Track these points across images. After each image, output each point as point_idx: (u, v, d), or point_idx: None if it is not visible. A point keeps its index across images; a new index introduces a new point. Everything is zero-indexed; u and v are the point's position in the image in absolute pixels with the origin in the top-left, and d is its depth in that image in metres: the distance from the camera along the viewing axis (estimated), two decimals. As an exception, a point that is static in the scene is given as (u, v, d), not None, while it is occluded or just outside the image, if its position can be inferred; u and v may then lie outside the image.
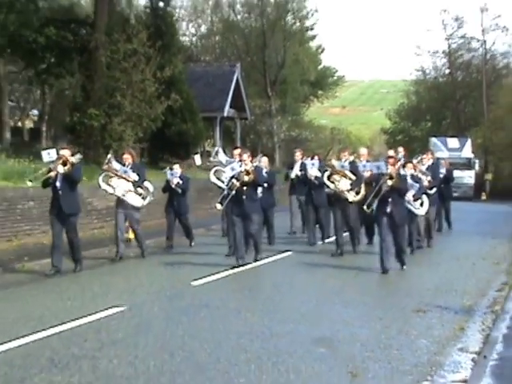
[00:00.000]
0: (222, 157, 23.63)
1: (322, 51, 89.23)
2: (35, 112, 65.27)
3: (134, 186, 22.13)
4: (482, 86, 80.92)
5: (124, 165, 22.36)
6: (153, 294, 17.35)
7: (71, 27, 45.35)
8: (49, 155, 19.56)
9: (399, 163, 22.00)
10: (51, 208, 19.48)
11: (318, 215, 26.11)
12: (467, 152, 63.34)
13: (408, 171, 22.21)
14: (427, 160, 27.24)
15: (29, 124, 64.77)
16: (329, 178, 22.55)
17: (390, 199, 19.02)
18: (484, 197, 59.85)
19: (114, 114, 39.52)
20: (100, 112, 39.48)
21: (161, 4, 49.68)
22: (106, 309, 15.19)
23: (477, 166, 63.59)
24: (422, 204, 22.97)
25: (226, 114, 55.74)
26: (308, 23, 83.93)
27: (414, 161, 25.08)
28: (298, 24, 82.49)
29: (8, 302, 16.58)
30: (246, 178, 19.82)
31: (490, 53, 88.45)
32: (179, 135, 43.29)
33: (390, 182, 18.76)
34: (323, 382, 10.53)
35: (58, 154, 19.49)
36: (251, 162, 20.88)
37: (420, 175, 23.83)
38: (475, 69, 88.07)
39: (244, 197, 20.13)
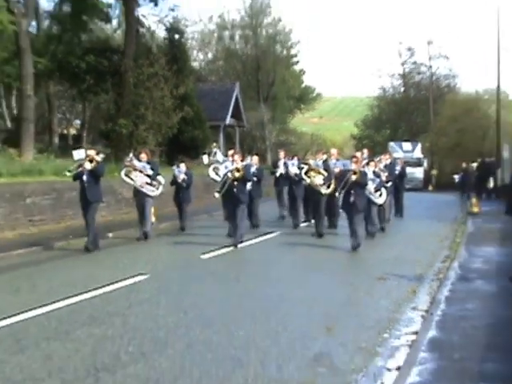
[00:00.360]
0: (220, 156, 23.80)
1: (303, 73, 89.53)
2: (77, 122, 65.10)
3: (149, 178, 22.11)
4: (429, 102, 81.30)
5: (141, 161, 22.42)
6: (170, 264, 17.43)
7: (106, 55, 45.34)
8: (78, 154, 19.83)
9: (363, 162, 22.38)
10: (80, 196, 19.53)
11: (296, 204, 25.84)
12: (418, 153, 63.67)
13: (370, 168, 22.34)
14: (385, 160, 27.51)
15: (72, 131, 64.59)
16: (306, 173, 22.41)
17: (352, 191, 19.15)
18: (431, 188, 59.89)
19: (139, 123, 39.59)
20: (128, 121, 39.55)
21: (176, 36, 49.75)
22: (134, 276, 15.26)
23: (425, 164, 63.83)
24: (380, 195, 22.73)
25: (227, 123, 55.74)
26: (293, 51, 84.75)
27: (375, 160, 24.90)
28: (284, 52, 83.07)
29: (57, 270, 16.63)
30: (237, 174, 19.78)
31: (435, 75, 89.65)
32: (191, 140, 43.30)
33: (353, 177, 18.97)
34: (305, 333, 10.60)
35: (85, 153, 19.67)
36: (242, 161, 20.88)
37: (379, 172, 23.74)
38: (424, 88, 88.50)
39: (235, 189, 19.90)
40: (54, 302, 12.57)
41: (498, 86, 50.99)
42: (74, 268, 16.94)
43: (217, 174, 22.88)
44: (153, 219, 25.90)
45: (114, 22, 57.45)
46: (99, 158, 19.55)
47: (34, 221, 23.36)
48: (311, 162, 23.14)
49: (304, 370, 8.75)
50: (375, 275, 15.78)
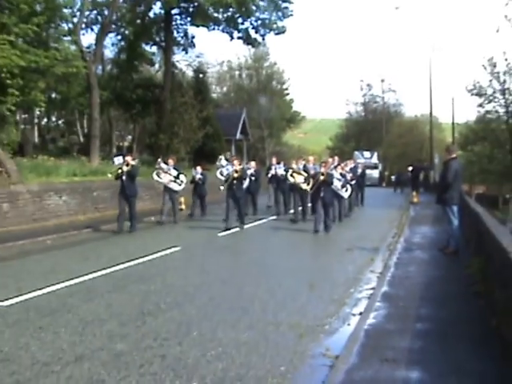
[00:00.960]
0: (224, 162, 23.59)
1: (292, 102, 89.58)
2: (129, 137, 65.18)
3: (174, 178, 22.03)
4: (382, 123, 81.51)
5: (168, 165, 22.35)
6: (196, 240, 17.41)
7: (150, 89, 45.44)
8: (118, 160, 19.80)
9: (332, 166, 22.58)
10: (119, 192, 19.09)
11: (283, 197, 25.42)
12: (375, 159, 63.75)
13: (338, 171, 22.44)
14: (350, 164, 27.57)
15: (126, 144, 64.65)
16: (291, 175, 22.12)
17: (322, 188, 18.87)
18: (384, 184, 59.90)
19: (173, 138, 39.60)
20: (166, 137, 39.56)
21: (200, 75, 49.83)
22: (169, 248, 15.25)
23: (380, 167, 63.96)
24: (346, 190, 22.47)
25: (237, 138, 55.84)
26: (284, 86, 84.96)
27: (342, 164, 25.12)
28: (279, 87, 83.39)
29: (115, 244, 16.60)
30: (236, 175, 19.67)
31: (386, 104, 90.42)
32: (211, 150, 43.24)
33: (322, 177, 18.87)
34: (293, 290, 10.61)
35: (123, 158, 19.58)
36: (239, 165, 20.57)
37: (345, 173, 23.57)
38: (378, 113, 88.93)
39: (234, 186, 19.61)
40: (113, 266, 12.60)
41: (431, 113, 51.16)
42: (127, 242, 16.92)
43: (221, 174, 22.49)
44: (183, 207, 25.95)
45: (156, 66, 57.66)
46: (134, 162, 19.46)
47: (98, 208, 23.35)
48: (294, 166, 23.03)
49: (293, 315, 8.77)
50: (344, 248, 15.80)
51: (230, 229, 19.20)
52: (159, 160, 23.20)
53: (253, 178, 24.94)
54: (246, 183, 22.28)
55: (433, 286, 10.75)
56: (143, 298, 9.85)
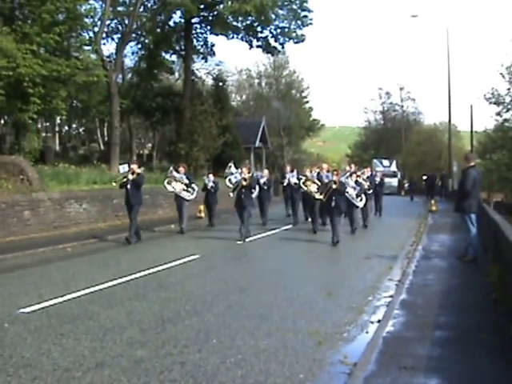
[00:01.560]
0: (233, 169, 21.86)
1: (311, 110, 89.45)
2: (149, 145, 65.52)
3: (186, 186, 21.47)
4: (402, 131, 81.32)
5: (179, 173, 21.78)
6: (214, 248, 17.43)
7: (170, 97, 45.75)
8: (123, 168, 18.75)
9: (347, 174, 21.43)
10: (125, 201, 18.59)
11: (295, 206, 25.12)
12: (394, 167, 63.34)
13: (353, 179, 21.33)
14: (367, 172, 26.09)
15: (146, 152, 64.96)
16: (304, 183, 21.60)
17: (334, 197, 17.92)
18: (403, 193, 59.46)
19: (193, 146, 39.80)
20: (185, 145, 39.76)
21: (220, 83, 49.97)
22: (188, 256, 15.31)
23: (399, 176, 63.57)
24: (361, 199, 21.22)
25: (256, 146, 55.78)
26: (303, 94, 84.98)
27: (359, 172, 23.82)
28: (298, 95, 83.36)
29: (134, 251, 16.64)
30: (244, 183, 18.89)
31: (405, 112, 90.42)
32: (230, 158, 43.19)
33: (334, 186, 18.00)
34: (312, 298, 10.62)
35: (129, 167, 18.61)
36: (249, 173, 19.83)
37: (362, 181, 22.59)
38: (397, 121, 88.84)
39: (242, 195, 18.90)
40: (133, 274, 12.67)
41: (449, 121, 50.85)
42: (147, 250, 16.98)
43: (230, 182, 21.28)
44: (202, 215, 26.05)
45: (176, 74, 57.94)
46: (140, 170, 18.92)
47: (118, 216, 23.45)
48: (308, 173, 22.34)
49: (311, 323, 8.78)
50: (362, 256, 15.76)
51: (247, 237, 19.11)
52: (171, 168, 22.70)
53: (265, 187, 24.78)
54: (256, 192, 22.07)
55: (451, 293, 10.71)
56: (163, 305, 9.90)
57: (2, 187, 19.97)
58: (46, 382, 6.32)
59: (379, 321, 8.83)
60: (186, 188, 21.49)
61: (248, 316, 9.18)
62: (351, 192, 20.48)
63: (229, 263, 14.83)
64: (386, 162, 64.48)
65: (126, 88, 45.37)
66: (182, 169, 22.12)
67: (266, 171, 26.94)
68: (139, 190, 18.56)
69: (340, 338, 8.08)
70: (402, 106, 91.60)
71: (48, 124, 52.60)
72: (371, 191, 24.52)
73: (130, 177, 18.13)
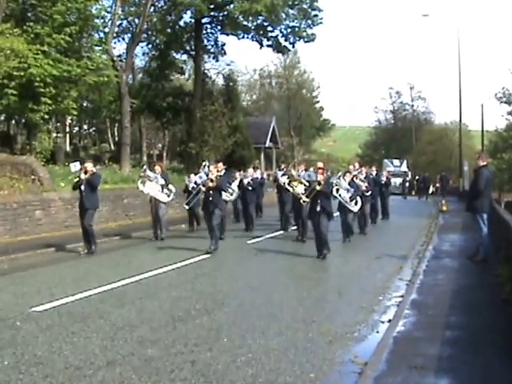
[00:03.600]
0: (206, 169, 18.88)
1: (322, 110, 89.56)
2: (160, 145, 65.63)
3: (161, 187, 19.11)
4: (412, 131, 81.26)
5: (155, 172, 19.39)
6: (225, 247, 17.37)
7: (180, 97, 45.75)
8: (75, 167, 16.71)
9: (339, 173, 19.90)
10: (79, 204, 16.46)
11: (285, 209, 21.60)
12: (404, 167, 63.09)
13: (347, 179, 18.81)
14: (364, 172, 22.84)
15: (156, 152, 65.10)
16: (289, 183, 18.85)
17: (319, 200, 15.10)
18: (413, 193, 59.27)
19: (203, 146, 39.83)
20: (196, 145, 39.80)
21: (230, 83, 50.02)
22: (199, 255, 15.36)
23: (410, 175, 63.36)
24: (356, 203, 18.66)
25: (267, 146, 55.86)
26: (314, 94, 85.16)
27: (355, 172, 21.19)
28: (308, 95, 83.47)
29: (145, 251, 16.71)
30: (211, 184, 16.11)
31: (415, 112, 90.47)
32: (240, 158, 43.38)
33: (318, 187, 15.04)
34: (322, 297, 10.65)
35: (80, 165, 16.64)
36: (218, 172, 16.84)
37: (359, 182, 20.48)
38: (408, 121, 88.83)
39: (210, 198, 16.22)
40: (144, 273, 12.72)
41: (460, 120, 50.67)
42: (157, 249, 17.00)
43: (187, 187, 20.84)
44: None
45: (187, 74, 57.98)
46: (95, 169, 16.86)
47: (129, 215, 23.56)
48: (293, 172, 19.57)
49: (322, 322, 8.79)
50: (372, 256, 15.75)
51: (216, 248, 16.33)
52: (145, 167, 20.54)
53: (249, 188, 22.77)
54: (235, 194, 21.06)
55: (462, 293, 10.69)
56: (173, 304, 9.94)
57: (14, 187, 20.07)
58: (58, 380, 6.36)
59: (390, 320, 8.83)
60: (161, 189, 19.25)
61: (259, 315, 9.20)
62: (344, 195, 18.49)
63: (240, 262, 14.83)
64: (396, 162, 64.33)
65: (137, 88, 45.46)
66: (157, 168, 19.96)
67: (250, 170, 24.42)
68: (95, 192, 16.45)
69: (350, 338, 8.09)
70: (413, 106, 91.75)
71: (59, 124, 52.70)
72: (370, 193, 21.94)
73: (83, 176, 16.09)
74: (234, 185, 20.93)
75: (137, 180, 20.53)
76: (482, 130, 53.67)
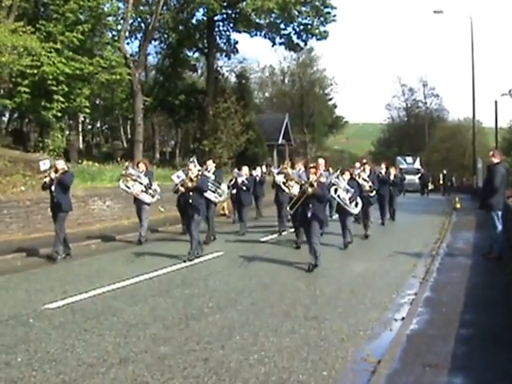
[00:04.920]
0: (197, 165, 16.15)
1: (335, 107, 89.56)
2: (172, 142, 65.75)
3: (145, 187, 17.48)
4: (425, 128, 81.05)
5: (138, 170, 17.87)
6: (238, 245, 17.38)
7: (193, 95, 45.97)
8: (44, 165, 15.00)
9: (337, 172, 17.13)
10: (50, 206, 14.98)
11: (282, 210, 19.55)
12: (417, 165, 62.92)
13: (346, 178, 16.91)
14: (367, 170, 20.34)
15: (169, 149, 65.19)
16: (285, 183, 17.42)
17: (310, 204, 13.00)
18: (426, 190, 59.09)
19: (216, 143, 40.00)
20: (209, 142, 39.98)
21: (243, 81, 50.15)
22: (212, 253, 15.38)
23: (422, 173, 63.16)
24: (356, 205, 16.90)
25: (279, 143, 55.83)
26: (327, 91, 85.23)
27: (357, 170, 19.57)
28: (321, 92, 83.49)
29: (158, 248, 16.57)
30: (190, 184, 14.19)
31: (429, 109, 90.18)
32: (253, 155, 43.46)
33: (310, 190, 12.96)
34: (335, 295, 10.62)
35: (50, 163, 15.06)
36: (199, 170, 14.90)
37: (362, 181, 18.99)
38: (421, 118, 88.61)
39: (190, 200, 14.30)
40: (157, 270, 12.75)
41: (474, 117, 50.46)
42: (170, 246, 16.94)
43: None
44: (226, 212, 25.86)
45: (199, 72, 58.09)
46: (66, 167, 15.01)
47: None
48: (290, 170, 17.31)
49: (335, 320, 8.77)
50: (386, 253, 15.71)
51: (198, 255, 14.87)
52: (127, 164, 18.71)
53: (244, 188, 20.75)
54: (224, 195, 18.69)
55: (476, 291, 10.63)
56: (186, 302, 9.95)
57: (27, 184, 20.17)
58: (71, 377, 6.37)
59: (403, 318, 8.80)
60: (145, 189, 17.66)
61: (271, 313, 9.19)
62: (343, 195, 16.73)
63: (253, 260, 14.78)
64: (409, 160, 64.24)
65: (150, 86, 45.64)
66: (141, 165, 18.38)
67: (245, 168, 21.87)
68: (67, 193, 14.85)
69: (364, 336, 8.06)
70: (426, 103, 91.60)
71: (72, 122, 52.87)
72: (374, 193, 20.10)
73: (53, 175, 14.52)
74: (224, 185, 18.73)
75: (118, 179, 19.06)
76: (496, 127, 53.32)
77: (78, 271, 13.02)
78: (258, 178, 24.07)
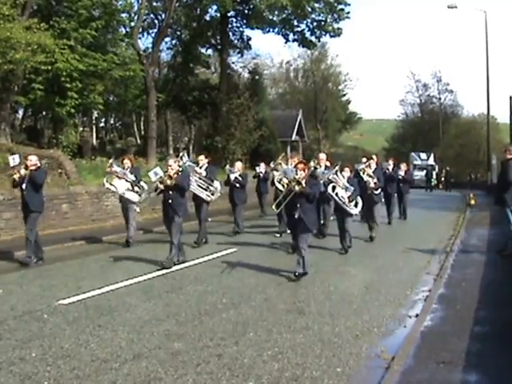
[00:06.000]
0: (186, 159, 16.79)
1: (348, 103, 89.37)
2: (185, 139, 65.75)
3: (131, 185, 15.83)
4: (439, 124, 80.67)
5: (123, 167, 16.19)
6: (252, 242, 17.34)
7: (206, 91, 45.87)
8: (13, 160, 13.70)
9: (335, 169, 15.52)
10: (21, 205, 13.70)
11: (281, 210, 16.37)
12: (431, 161, 62.88)
13: (345, 175, 15.24)
14: (373, 165, 18.40)
15: (182, 146, 65.27)
16: (279, 181, 15.58)
17: (298, 204, 11.45)
18: (440, 186, 58.94)
19: (229, 140, 39.93)
20: (222, 138, 39.93)
21: (256, 77, 50.09)
22: (226, 249, 15.41)
23: (437, 169, 62.97)
24: (356, 204, 15.28)
25: (293, 139, 55.61)
26: (340, 87, 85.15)
27: (361, 166, 18.19)
28: (335, 88, 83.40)
29: (165, 246, 16.56)
30: (168, 182, 12.74)
31: (443, 105, 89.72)
32: (267, 151, 43.32)
33: (297, 188, 11.35)
34: (350, 291, 10.61)
35: (20, 159, 13.67)
36: (179, 166, 13.48)
37: (367, 178, 17.52)
38: (435, 114, 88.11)
39: (170, 200, 12.98)
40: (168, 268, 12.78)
41: (488, 112, 50.26)
42: (184, 243, 16.96)
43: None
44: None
45: (212, 68, 58.09)
46: (39, 163, 13.76)
47: (155, 209, 23.56)
48: (284, 166, 16.50)
49: (349, 317, 8.76)
50: (400, 250, 15.66)
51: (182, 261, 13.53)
52: (111, 161, 16.79)
53: (237, 185, 19.09)
54: (216, 194, 16.91)
55: (490, 288, 10.59)
56: (200, 298, 9.97)
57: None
58: (84, 372, 6.40)
59: (417, 315, 8.78)
60: (131, 187, 16.05)
61: (285, 309, 9.19)
62: (342, 194, 15.13)
63: (267, 256, 14.78)
64: (423, 156, 64.15)
65: (163, 82, 45.67)
66: (127, 161, 16.62)
67: (237, 164, 20.05)
68: (39, 192, 13.60)
69: (378, 332, 8.05)
70: (440, 99, 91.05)
71: (85, 118, 53.15)
72: (379, 191, 18.43)
73: (23, 172, 13.30)
74: (217, 183, 17.01)
75: (103, 177, 17.48)
76: (511, 123, 53.09)
77: (91, 267, 13.07)
78: (261, 175, 23.51)
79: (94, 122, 59.70)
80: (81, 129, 46.67)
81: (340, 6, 40.73)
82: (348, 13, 41.43)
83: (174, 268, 12.65)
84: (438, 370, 6.33)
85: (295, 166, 12.01)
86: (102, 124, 68.82)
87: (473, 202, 32.02)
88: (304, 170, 11.71)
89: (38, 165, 13.60)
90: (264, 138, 43.64)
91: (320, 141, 73.91)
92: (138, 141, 58.92)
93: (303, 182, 11.38)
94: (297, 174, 11.61)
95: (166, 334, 7.81)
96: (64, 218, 19.52)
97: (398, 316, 8.88)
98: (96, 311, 8.99)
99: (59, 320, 8.50)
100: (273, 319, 8.59)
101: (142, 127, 60.28)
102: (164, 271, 12.31)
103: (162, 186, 12.96)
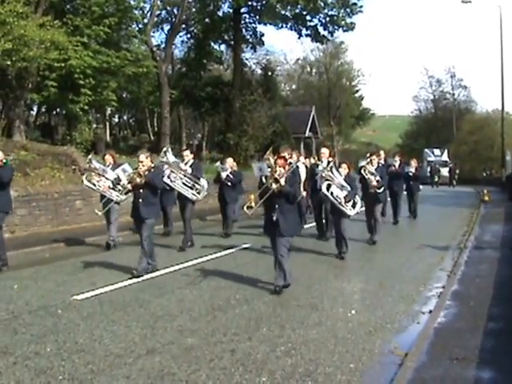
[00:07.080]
0: (170, 157, 15.44)
1: (362, 99, 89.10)
2: (199, 135, 65.89)
3: (112, 183, 13.74)
4: (453, 120, 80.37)
5: (105, 164, 15.12)
6: (265, 238, 17.37)
7: (219, 87, 45.90)
8: None
9: (330, 165, 14.25)
10: None
11: None
12: (445, 157, 62.73)
13: (343, 172, 13.61)
14: (376, 161, 16.77)
15: (195, 142, 65.34)
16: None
17: (276, 205, 10.04)
18: (454, 183, 58.81)
19: (242, 136, 39.97)
20: (235, 135, 39.98)
21: (269, 73, 50.11)
22: (240, 245, 15.45)
23: (450, 165, 62.84)
24: (353, 205, 13.55)
25: (306, 135, 55.51)
26: (354, 83, 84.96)
27: (363, 162, 16.73)
28: (348, 84, 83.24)
29: (178, 242, 16.39)
30: (138, 180, 11.43)
31: (456, 100, 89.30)
32: (280, 148, 43.32)
33: (274, 186, 9.89)
34: (363, 288, 10.62)
35: None
36: (152, 162, 11.86)
37: (369, 175, 16.02)
38: (449, 110, 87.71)
39: (140, 200, 11.56)
40: (184, 262, 12.85)
41: (503, 108, 50.02)
42: (197, 238, 16.82)
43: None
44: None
45: (225, 64, 58.13)
46: (6, 159, 12.58)
47: (168, 205, 23.66)
48: (257, 163, 12.90)
49: (362, 312, 8.75)
50: (413, 246, 15.63)
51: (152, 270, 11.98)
52: (90, 157, 15.36)
53: (228, 184, 17.94)
54: (203, 193, 15.42)
55: (504, 285, 10.54)
56: (213, 293, 9.99)
57: (55, 177, 20.36)
58: (99, 367, 6.43)
59: (430, 311, 8.76)
60: (112, 186, 13.98)
61: (298, 305, 9.20)
62: (338, 193, 13.56)
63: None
64: (437, 152, 64.06)
65: (176, 78, 45.74)
66: (108, 157, 15.55)
67: (229, 160, 18.88)
68: (5, 190, 12.42)
69: (391, 328, 8.04)
70: (454, 94, 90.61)
71: (99, 115, 53.28)
72: (382, 189, 16.37)
73: None
74: (204, 180, 15.58)
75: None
76: (525, 119, 53.01)
77: (105, 263, 13.10)
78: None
79: (107, 118, 59.89)
80: (94, 125, 46.76)
81: (353, 1, 40.68)
82: (361, 7, 41.41)
83: (187, 264, 12.71)
84: (452, 367, 6.31)
85: (274, 162, 10.36)
86: (115, 121, 69.07)
87: (487, 198, 31.90)
88: (284, 167, 10.27)
89: (4, 161, 12.32)
90: (277, 134, 43.58)
91: (333, 137, 73.84)
92: (152, 137, 59.06)
93: (282, 180, 9.94)
94: (276, 171, 10.14)
95: (180, 330, 7.84)
96: (78, 215, 19.62)
97: (412, 312, 8.86)
98: (110, 307, 9.04)
99: (73, 315, 8.55)
100: (286, 315, 8.59)
101: (156, 124, 60.42)
102: (178, 266, 12.37)
103: (129, 186, 11.89)
